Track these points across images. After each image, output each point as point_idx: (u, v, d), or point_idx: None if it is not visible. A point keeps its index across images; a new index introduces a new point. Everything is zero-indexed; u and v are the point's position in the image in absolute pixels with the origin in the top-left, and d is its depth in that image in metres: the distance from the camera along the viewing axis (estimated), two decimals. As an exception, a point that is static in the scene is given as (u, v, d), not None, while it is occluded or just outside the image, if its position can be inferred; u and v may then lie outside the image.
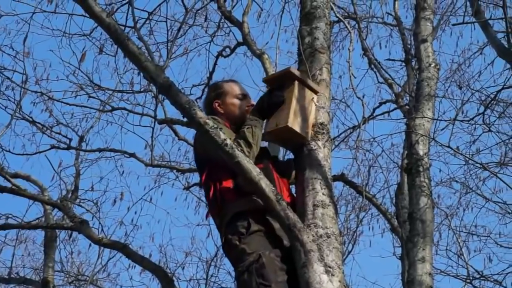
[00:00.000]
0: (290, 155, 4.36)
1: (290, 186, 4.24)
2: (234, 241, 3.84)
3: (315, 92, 4.14)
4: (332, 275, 3.61)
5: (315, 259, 3.63)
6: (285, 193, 3.99)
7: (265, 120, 4.09)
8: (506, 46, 6.91)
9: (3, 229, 7.17)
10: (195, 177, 10.66)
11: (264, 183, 3.69)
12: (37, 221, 8.65)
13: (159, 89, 3.86)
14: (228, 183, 3.95)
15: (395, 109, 9.95)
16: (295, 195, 4.03)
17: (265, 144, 4.38)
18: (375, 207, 10.00)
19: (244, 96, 4.29)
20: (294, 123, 3.96)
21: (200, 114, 3.71)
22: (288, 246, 3.83)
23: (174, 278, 5.51)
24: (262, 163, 3.91)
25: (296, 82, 4.05)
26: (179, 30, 7.75)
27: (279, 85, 4.10)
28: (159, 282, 5.54)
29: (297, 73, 4.09)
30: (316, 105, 4.12)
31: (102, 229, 8.02)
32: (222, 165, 3.91)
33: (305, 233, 3.68)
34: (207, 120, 3.70)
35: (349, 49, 4.69)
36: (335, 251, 3.71)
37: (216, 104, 4.25)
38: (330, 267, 3.63)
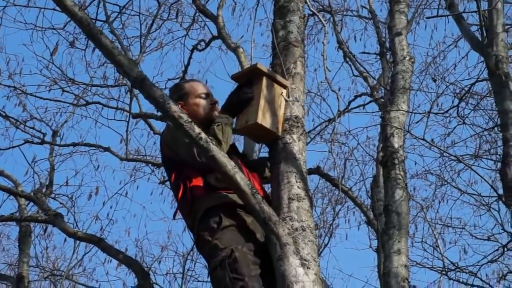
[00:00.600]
0: (265, 149, 4.37)
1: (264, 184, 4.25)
2: (206, 237, 3.84)
3: (284, 86, 4.14)
4: (308, 268, 3.61)
5: (290, 252, 3.63)
6: (257, 187, 3.98)
7: (235, 117, 4.09)
8: (480, 39, 6.94)
9: (-24, 222, 7.10)
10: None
11: (239, 177, 3.69)
12: (12, 215, 8.58)
13: (133, 83, 3.83)
14: (198, 181, 3.96)
15: (370, 102, 9.98)
16: (270, 189, 4.03)
17: (234, 140, 4.37)
18: (351, 200, 10.03)
19: (207, 95, 4.25)
20: (263, 120, 3.96)
21: (174, 108, 3.68)
22: (261, 240, 3.83)
23: (150, 272, 5.50)
24: (231, 159, 3.89)
25: (264, 78, 4.04)
26: (152, 24, 7.72)
27: (247, 81, 4.10)
28: (135, 276, 5.51)
29: (264, 68, 4.08)
30: (286, 99, 4.11)
31: (76, 224, 7.98)
32: (190, 164, 3.92)
33: (281, 226, 3.67)
34: (181, 114, 3.68)
35: (323, 43, 4.68)
36: (311, 244, 3.71)
37: (179, 106, 4.10)
38: (305, 260, 3.63)
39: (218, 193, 3.91)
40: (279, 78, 4.12)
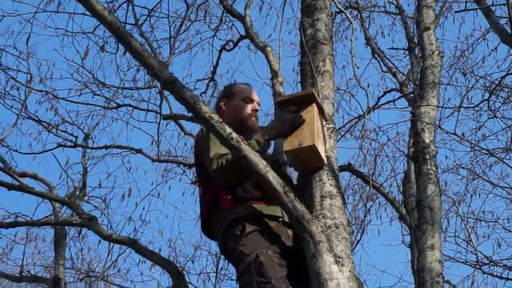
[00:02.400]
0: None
1: None
2: (232, 246, 3.89)
3: (326, 118, 4.07)
4: (342, 265, 3.62)
5: (324, 249, 3.64)
6: None
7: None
8: (509, 31, 6.89)
9: (13, 227, 7.19)
10: (202, 172, 10.67)
11: (271, 176, 3.70)
12: (46, 218, 8.67)
13: (163, 85, 3.87)
14: (226, 194, 3.98)
15: (399, 97, 9.94)
16: (301, 187, 4.03)
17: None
18: (383, 196, 10.01)
19: (251, 100, 4.26)
20: (318, 144, 3.86)
21: (205, 109, 3.71)
22: (287, 243, 3.87)
23: (184, 272, 5.53)
24: None
25: (315, 105, 3.95)
26: (181, 25, 7.77)
27: (294, 105, 3.97)
28: (170, 277, 5.55)
29: (317, 96, 3.99)
30: (327, 127, 4.05)
31: (110, 226, 8.05)
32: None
33: (314, 224, 3.69)
34: (212, 115, 3.71)
35: (351, 40, 4.69)
36: (344, 241, 3.72)
37: (222, 103, 4.25)
38: (339, 257, 3.64)
39: (244, 204, 3.93)
40: (322, 107, 4.05)
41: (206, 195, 4.09)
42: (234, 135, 3.69)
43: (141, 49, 3.80)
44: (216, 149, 3.91)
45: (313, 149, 3.84)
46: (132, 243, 5.79)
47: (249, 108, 4.24)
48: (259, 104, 4.31)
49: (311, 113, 3.92)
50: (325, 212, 3.78)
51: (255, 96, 4.31)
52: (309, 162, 3.92)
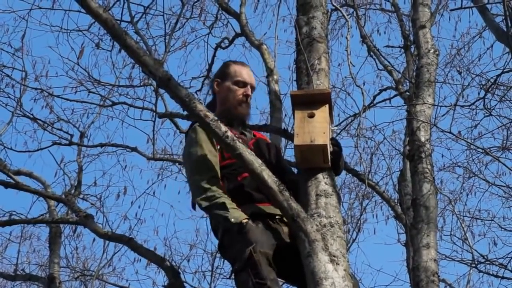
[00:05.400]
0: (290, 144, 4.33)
1: None
2: (227, 242, 3.86)
3: (332, 121, 4.03)
4: (337, 264, 3.61)
5: (319, 248, 3.63)
6: None
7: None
8: (505, 29, 6.89)
9: (9, 225, 7.15)
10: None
11: (266, 174, 3.70)
12: (42, 217, 8.64)
13: (158, 83, 3.85)
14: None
15: (395, 96, 9.95)
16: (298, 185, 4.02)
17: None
18: (378, 194, 10.01)
19: (243, 84, 4.14)
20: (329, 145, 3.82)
21: (200, 107, 3.70)
22: (286, 239, 3.84)
23: (179, 271, 5.51)
24: None
25: (328, 106, 3.92)
26: (176, 23, 7.76)
27: (307, 100, 3.92)
28: (165, 275, 5.52)
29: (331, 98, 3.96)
30: (332, 130, 4.01)
31: (107, 223, 8.04)
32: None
33: (309, 223, 3.68)
34: (207, 113, 3.70)
35: (347, 38, 4.67)
36: (339, 240, 3.71)
37: (215, 83, 4.17)
38: (334, 256, 3.63)
39: (243, 206, 3.87)
40: (332, 109, 4.00)
41: None
42: (229, 133, 3.69)
43: (136, 46, 3.79)
44: (199, 176, 3.89)
45: (324, 148, 3.78)
46: (128, 241, 5.76)
47: (240, 92, 4.13)
48: (253, 88, 4.20)
49: (324, 113, 3.87)
50: (320, 211, 3.76)
51: (248, 79, 4.18)
52: (315, 160, 3.85)
